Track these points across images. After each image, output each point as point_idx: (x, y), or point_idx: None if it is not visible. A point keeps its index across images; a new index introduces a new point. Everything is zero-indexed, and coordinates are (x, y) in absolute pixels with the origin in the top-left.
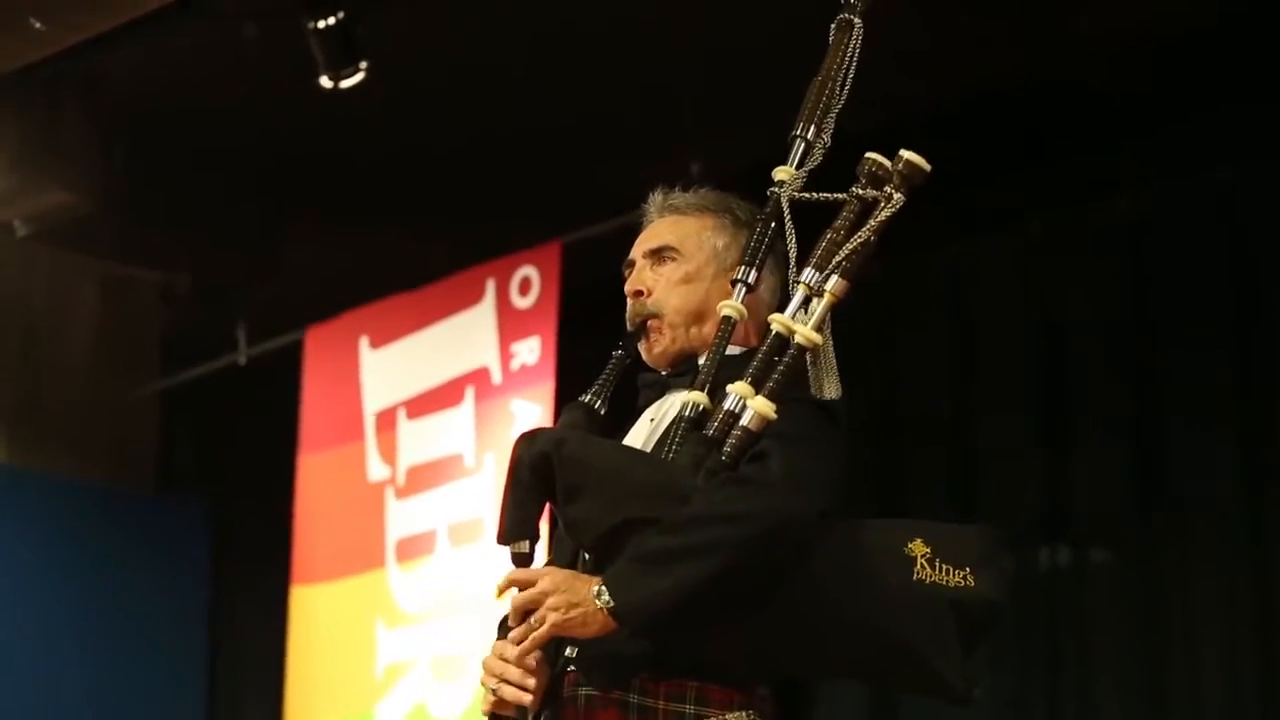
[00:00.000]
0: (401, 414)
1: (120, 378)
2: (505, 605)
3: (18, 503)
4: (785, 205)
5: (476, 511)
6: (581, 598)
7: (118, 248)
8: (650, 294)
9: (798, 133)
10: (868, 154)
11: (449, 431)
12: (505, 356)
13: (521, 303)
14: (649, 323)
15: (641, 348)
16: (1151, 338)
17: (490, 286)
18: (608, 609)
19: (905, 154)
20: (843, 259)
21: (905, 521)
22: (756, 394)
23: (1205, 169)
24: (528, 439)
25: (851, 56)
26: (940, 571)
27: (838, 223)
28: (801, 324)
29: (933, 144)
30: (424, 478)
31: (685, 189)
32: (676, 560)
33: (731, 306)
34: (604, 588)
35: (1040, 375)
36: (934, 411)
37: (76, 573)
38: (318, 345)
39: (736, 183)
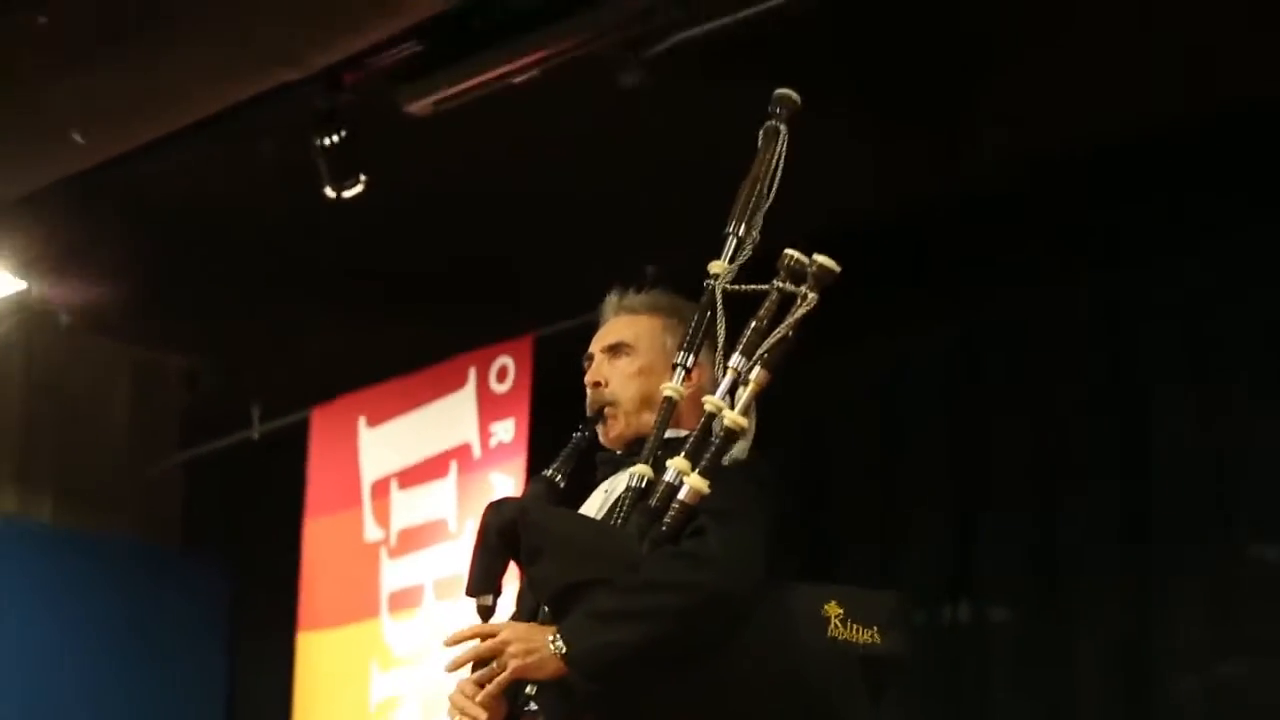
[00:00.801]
0: (394, 484)
1: (149, 449)
2: (453, 651)
3: (62, 559)
4: (719, 296)
5: (458, 569)
6: (538, 644)
7: (147, 336)
8: (607, 384)
9: (729, 230)
10: (786, 250)
11: (435, 500)
12: (485, 435)
13: (499, 388)
14: (605, 410)
15: (599, 430)
16: (1050, 431)
17: (472, 374)
18: (561, 655)
19: (819, 258)
20: (764, 351)
21: (823, 586)
22: (693, 470)
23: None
24: (495, 507)
25: (777, 161)
26: (851, 630)
27: (761, 312)
28: (729, 409)
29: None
30: (413, 540)
31: (639, 290)
32: (623, 620)
33: (671, 389)
34: (559, 636)
35: (950, 461)
36: (858, 485)
37: (112, 619)
38: (322, 423)
39: (685, 278)
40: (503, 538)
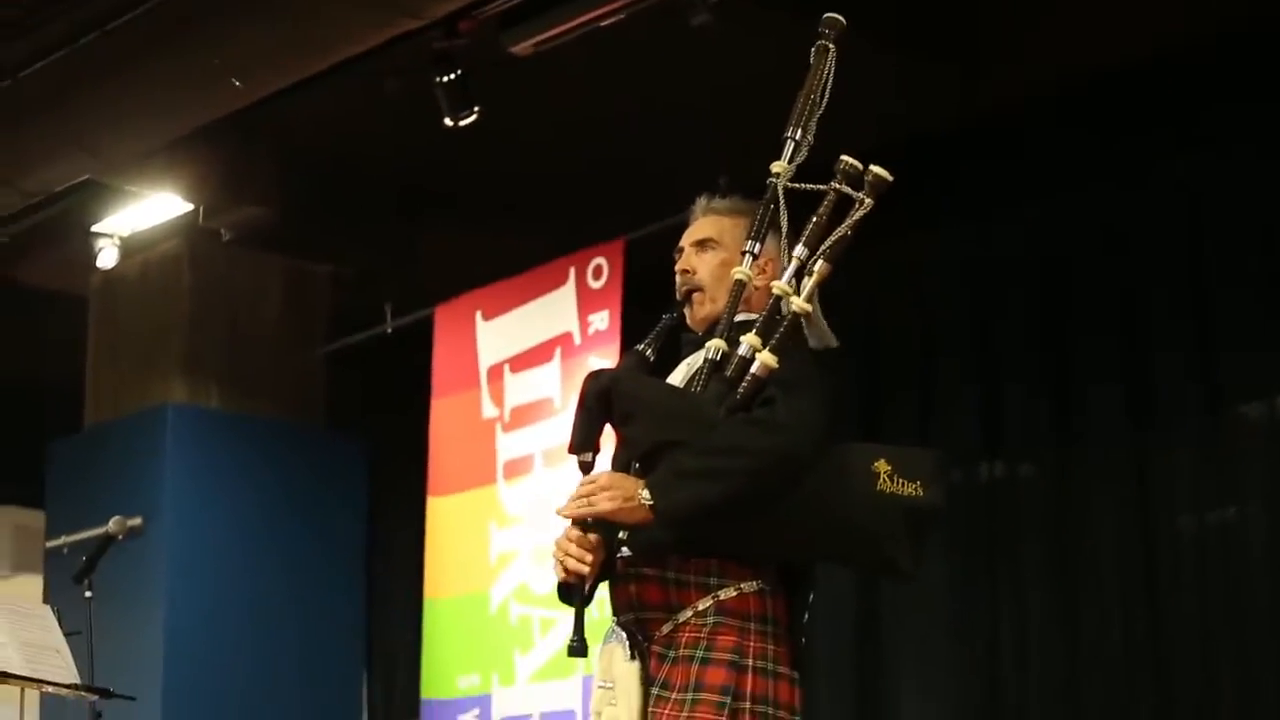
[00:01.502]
0: (507, 369)
1: (300, 344)
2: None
3: (226, 439)
4: (780, 192)
5: (563, 439)
6: (630, 493)
7: (295, 247)
8: (695, 273)
9: (788, 134)
10: (843, 157)
11: (542, 381)
12: (584, 324)
13: (595, 284)
14: (693, 294)
15: (686, 313)
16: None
17: (572, 273)
18: (648, 505)
19: (875, 169)
20: (827, 247)
21: (873, 445)
22: (763, 347)
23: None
24: (594, 376)
25: (828, 74)
26: (897, 484)
27: (821, 209)
28: (795, 294)
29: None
30: (524, 415)
31: (722, 196)
32: (703, 478)
33: (741, 272)
34: (647, 489)
35: (980, 341)
36: (906, 365)
37: (270, 489)
38: (445, 318)
39: (752, 186)
40: (600, 402)
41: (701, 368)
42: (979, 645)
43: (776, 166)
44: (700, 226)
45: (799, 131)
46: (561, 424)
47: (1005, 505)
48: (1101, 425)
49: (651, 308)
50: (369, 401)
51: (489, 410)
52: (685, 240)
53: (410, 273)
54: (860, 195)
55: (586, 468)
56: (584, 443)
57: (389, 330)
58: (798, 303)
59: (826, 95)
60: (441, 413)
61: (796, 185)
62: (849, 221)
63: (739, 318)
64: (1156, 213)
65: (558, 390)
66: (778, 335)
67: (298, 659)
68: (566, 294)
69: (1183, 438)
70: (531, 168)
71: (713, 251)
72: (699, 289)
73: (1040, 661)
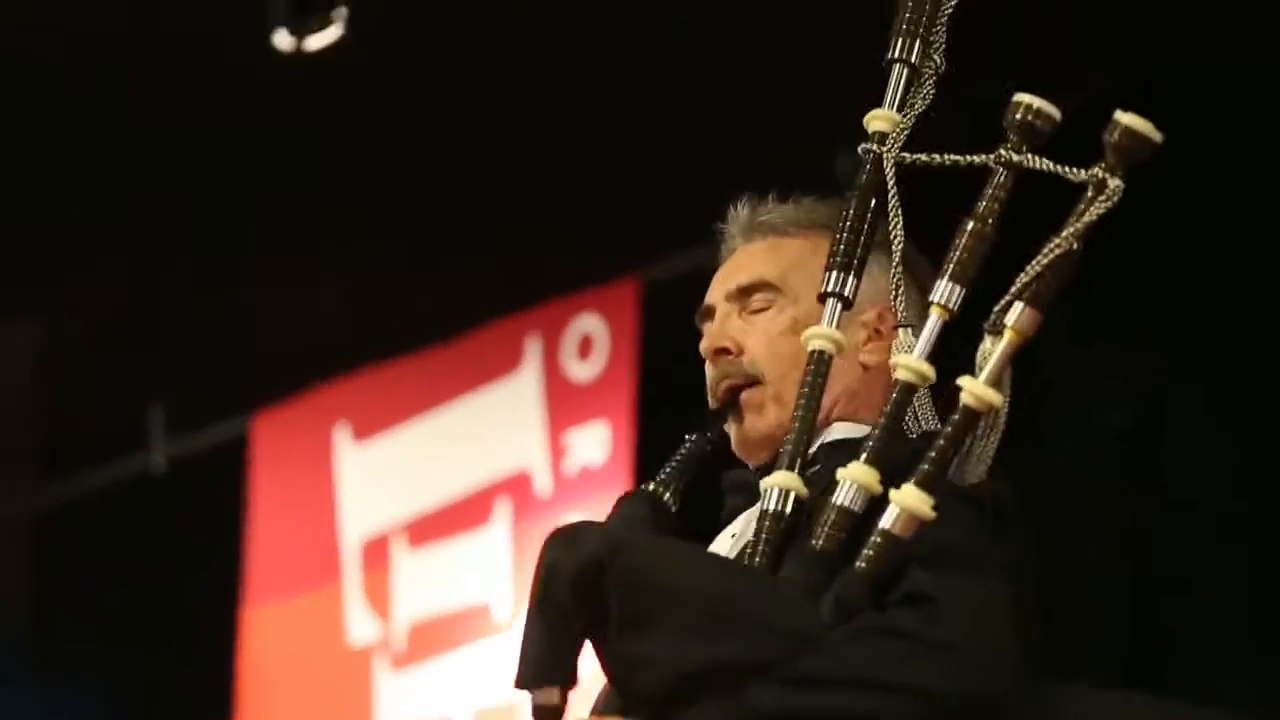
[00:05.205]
0: (399, 543)
1: None
2: None
3: None
4: (890, 171)
5: (512, 691)
6: None
7: None
8: (743, 352)
9: (895, 54)
10: (1021, 96)
11: (471, 568)
12: (556, 452)
13: (580, 372)
14: (743, 393)
15: (732, 429)
16: None
17: (533, 348)
18: None
19: (1124, 118)
20: (1032, 280)
21: (1134, 697)
22: (891, 482)
23: None
24: (565, 540)
25: None
26: None
27: (983, 208)
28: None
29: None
30: (434, 639)
31: (783, 199)
32: None
33: (823, 335)
34: None
35: None
36: None
37: None
38: (271, 438)
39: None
40: (578, 591)
41: (764, 527)
42: None
43: (877, 120)
44: (741, 262)
45: (914, 45)
46: (510, 654)
47: None
48: None
49: (690, 415)
50: (112, 608)
51: (362, 629)
52: (715, 292)
53: (198, 345)
54: (1093, 173)
55: (550, 717)
56: (548, 669)
57: (157, 463)
58: (977, 390)
59: None
60: (262, 633)
61: (921, 157)
62: (1079, 224)
63: (833, 433)
64: None
65: (505, 588)
66: (930, 459)
67: None
68: (521, 390)
69: None
70: (442, 124)
71: (773, 308)
72: (755, 382)
73: None
